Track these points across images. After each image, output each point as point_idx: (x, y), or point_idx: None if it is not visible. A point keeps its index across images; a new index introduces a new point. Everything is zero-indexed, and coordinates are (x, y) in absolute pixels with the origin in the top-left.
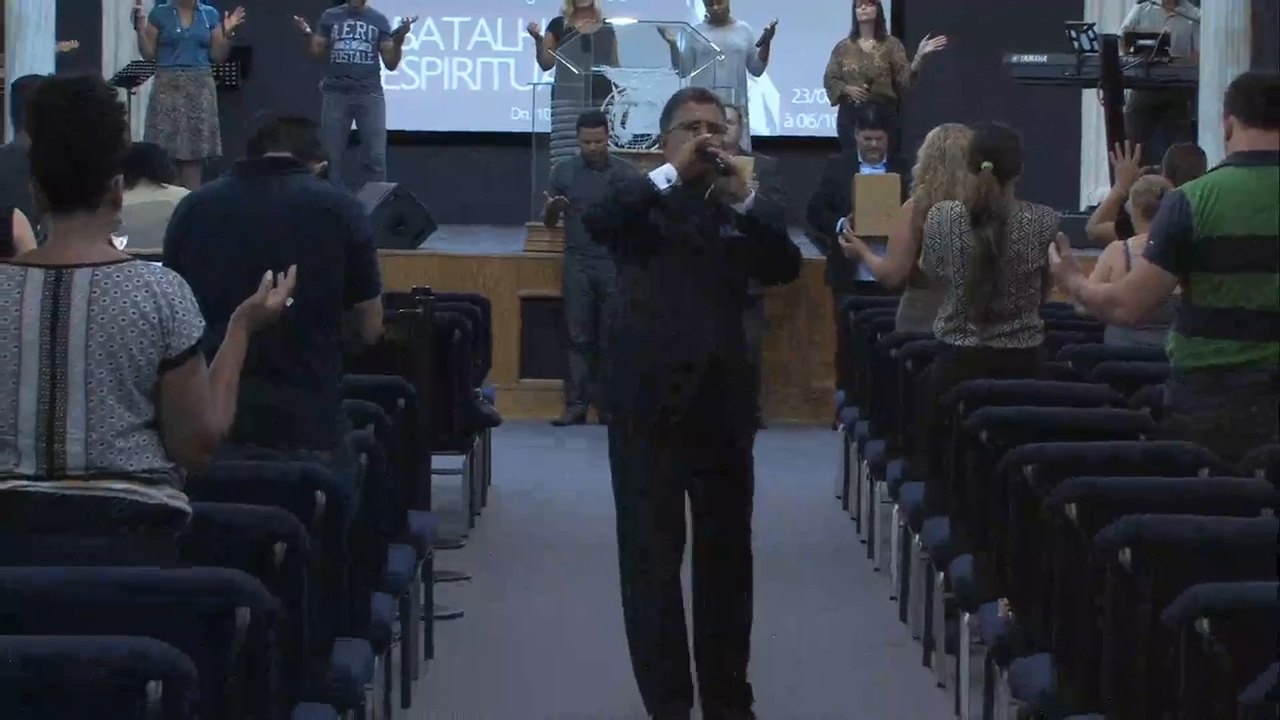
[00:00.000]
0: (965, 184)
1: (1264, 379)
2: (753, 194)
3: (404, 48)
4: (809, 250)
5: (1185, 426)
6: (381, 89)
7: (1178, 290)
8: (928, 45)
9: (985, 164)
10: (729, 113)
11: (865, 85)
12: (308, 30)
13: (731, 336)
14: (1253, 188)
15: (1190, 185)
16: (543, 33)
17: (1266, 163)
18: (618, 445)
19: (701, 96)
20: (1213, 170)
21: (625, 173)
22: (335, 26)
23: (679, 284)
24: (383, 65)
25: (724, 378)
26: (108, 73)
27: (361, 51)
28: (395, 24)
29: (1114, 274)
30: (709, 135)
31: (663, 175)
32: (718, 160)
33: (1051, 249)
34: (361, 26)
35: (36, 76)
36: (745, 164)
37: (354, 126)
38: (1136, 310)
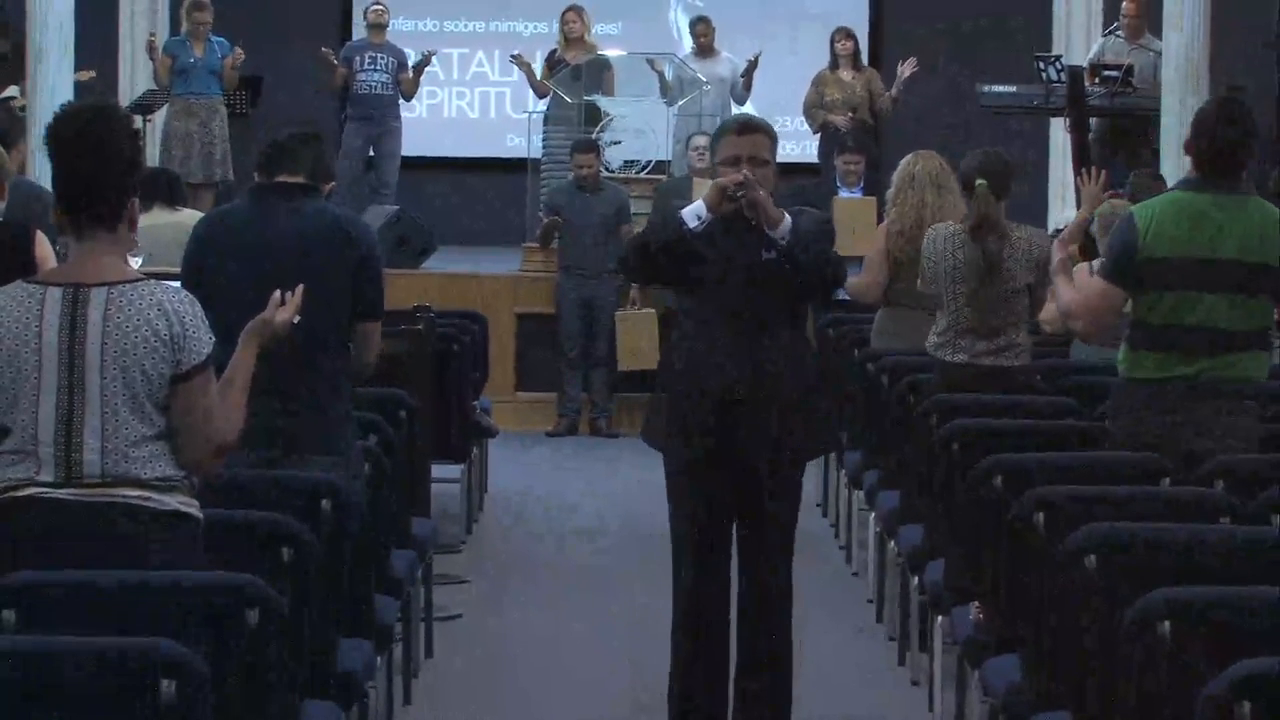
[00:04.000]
0: (956, 203)
1: (1192, 391)
2: (788, 221)
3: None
4: None
5: (1124, 433)
6: (400, 118)
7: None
8: (904, 70)
9: (980, 181)
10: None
11: (849, 113)
12: (334, 61)
13: (756, 366)
14: (1193, 212)
15: (1140, 206)
16: (536, 65)
17: (1210, 190)
18: (666, 474)
19: (744, 127)
20: (1164, 193)
21: (619, 197)
22: (357, 59)
23: (704, 316)
24: (400, 95)
25: (740, 408)
26: (124, 101)
27: (382, 83)
28: (413, 57)
29: None
30: (737, 176)
31: (693, 213)
32: (741, 199)
33: (1056, 244)
34: (382, 59)
35: None
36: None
37: (371, 152)
38: (1092, 324)
